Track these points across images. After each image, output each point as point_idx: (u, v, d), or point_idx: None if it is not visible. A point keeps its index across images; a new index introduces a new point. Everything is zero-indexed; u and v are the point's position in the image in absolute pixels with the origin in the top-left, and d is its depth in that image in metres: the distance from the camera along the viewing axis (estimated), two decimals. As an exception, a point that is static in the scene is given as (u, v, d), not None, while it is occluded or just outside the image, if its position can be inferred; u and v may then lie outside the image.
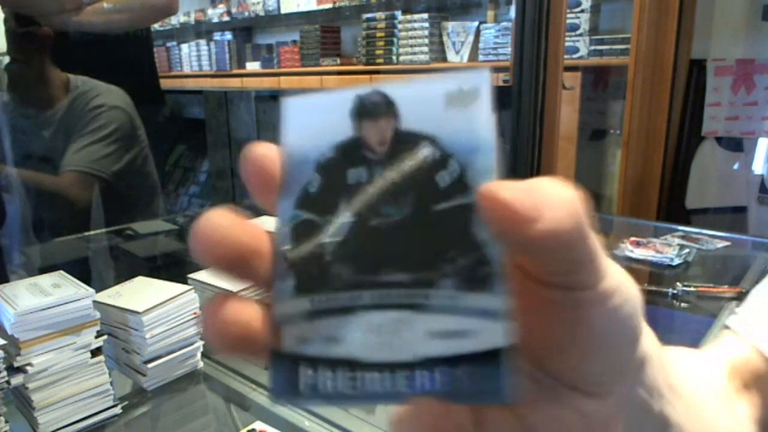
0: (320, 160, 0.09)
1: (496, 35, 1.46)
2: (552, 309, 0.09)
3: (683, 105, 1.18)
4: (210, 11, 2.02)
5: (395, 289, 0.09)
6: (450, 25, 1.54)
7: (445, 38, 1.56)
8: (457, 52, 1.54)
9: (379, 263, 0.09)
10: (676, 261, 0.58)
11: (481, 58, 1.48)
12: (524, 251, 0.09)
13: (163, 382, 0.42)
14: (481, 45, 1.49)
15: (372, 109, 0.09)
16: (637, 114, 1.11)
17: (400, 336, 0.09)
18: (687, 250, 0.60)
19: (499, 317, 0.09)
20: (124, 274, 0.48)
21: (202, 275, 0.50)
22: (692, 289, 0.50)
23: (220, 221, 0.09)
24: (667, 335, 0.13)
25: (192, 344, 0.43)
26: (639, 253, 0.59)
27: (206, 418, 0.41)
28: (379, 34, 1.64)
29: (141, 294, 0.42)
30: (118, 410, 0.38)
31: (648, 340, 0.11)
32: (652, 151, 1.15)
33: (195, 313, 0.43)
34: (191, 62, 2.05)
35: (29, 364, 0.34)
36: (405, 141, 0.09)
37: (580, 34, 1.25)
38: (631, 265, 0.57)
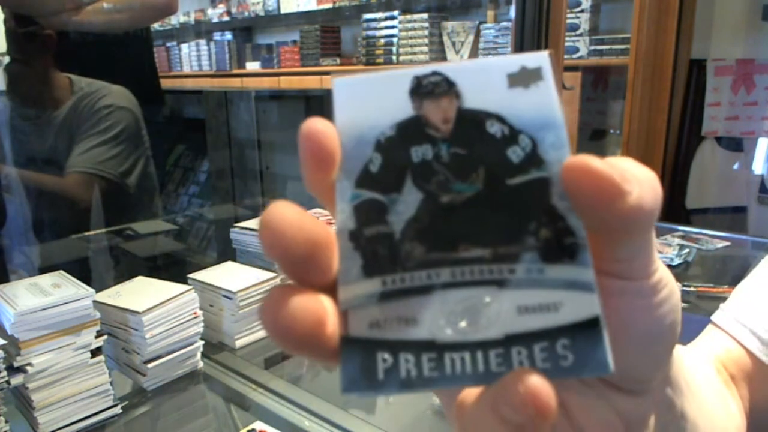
0: (380, 138, 0.09)
1: (496, 35, 1.46)
2: (605, 302, 0.09)
3: (683, 105, 1.18)
4: (210, 11, 2.02)
5: (476, 265, 0.09)
6: (450, 25, 1.54)
7: (445, 38, 1.56)
8: (457, 52, 1.54)
9: (456, 240, 0.09)
10: (676, 261, 0.58)
11: (481, 57, 1.48)
12: (606, 226, 0.08)
13: (163, 382, 0.42)
14: (481, 45, 1.49)
15: (433, 89, 0.09)
16: (637, 114, 1.12)
17: (486, 313, 0.08)
18: (687, 250, 0.60)
19: (589, 287, 0.08)
20: (124, 274, 0.48)
21: (201, 275, 0.50)
22: (692, 289, 0.51)
23: (287, 214, 0.08)
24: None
25: (192, 344, 0.43)
26: (639, 253, 0.60)
27: (206, 418, 0.41)
28: (379, 34, 1.64)
29: (141, 294, 0.42)
30: (118, 410, 0.38)
31: None
32: (652, 151, 1.15)
33: (195, 313, 0.43)
34: (191, 62, 2.05)
35: (29, 364, 0.34)
36: (470, 119, 0.09)
37: (580, 34, 1.25)
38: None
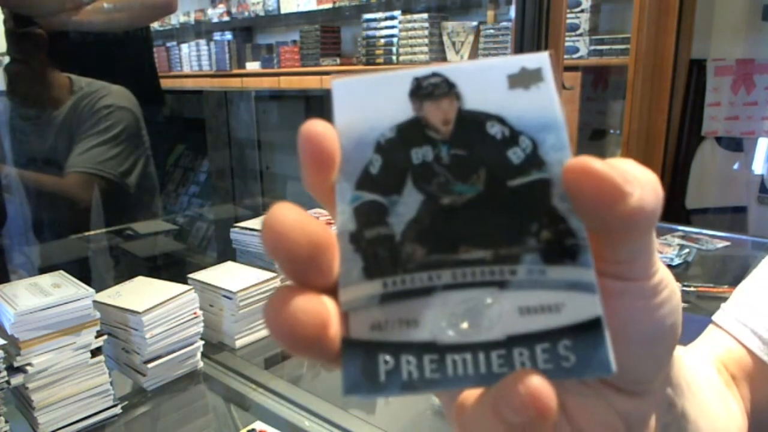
0: (380, 140, 0.09)
1: (496, 35, 1.46)
2: (606, 304, 0.09)
3: (683, 105, 1.18)
4: (210, 11, 2.02)
5: (477, 267, 0.08)
6: (450, 25, 1.54)
7: (445, 38, 1.56)
8: (457, 52, 1.54)
9: (456, 241, 0.09)
10: (676, 261, 0.58)
11: (481, 58, 1.48)
12: (607, 227, 0.08)
13: (163, 382, 0.42)
14: (481, 45, 1.49)
15: (433, 90, 0.09)
16: (637, 114, 1.11)
17: (487, 314, 0.08)
18: (687, 250, 0.60)
19: (590, 288, 0.08)
20: (124, 274, 0.48)
21: (201, 275, 0.50)
22: (692, 289, 0.51)
23: (290, 215, 0.08)
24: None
25: (192, 344, 0.43)
26: (639, 253, 0.60)
27: (206, 418, 0.41)
28: (379, 34, 1.64)
29: (141, 294, 0.42)
30: (118, 410, 0.38)
31: None
32: (652, 151, 1.15)
33: (195, 313, 0.43)
34: (191, 62, 2.05)
35: (29, 364, 0.34)
36: (470, 120, 0.09)
37: (580, 34, 1.25)
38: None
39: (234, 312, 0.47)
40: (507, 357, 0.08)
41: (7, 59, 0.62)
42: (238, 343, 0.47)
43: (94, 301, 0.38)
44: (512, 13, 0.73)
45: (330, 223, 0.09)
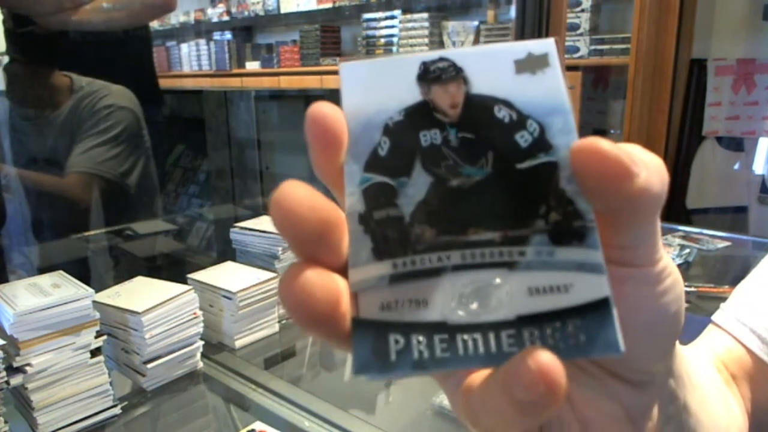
0: (388, 123, 0.09)
1: (497, 35, 1.46)
2: (612, 289, 0.09)
3: (684, 105, 1.18)
4: (210, 11, 2.01)
5: (486, 248, 0.09)
6: (450, 25, 1.54)
7: (445, 38, 1.56)
8: (458, 52, 1.53)
9: (465, 223, 0.09)
10: (677, 261, 0.58)
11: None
12: (613, 208, 0.09)
13: (163, 382, 0.42)
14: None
15: (440, 74, 0.09)
16: (638, 114, 1.11)
17: (497, 295, 0.08)
18: (687, 251, 0.60)
19: (598, 269, 0.08)
20: (123, 274, 0.48)
21: (201, 275, 0.50)
22: (693, 289, 0.51)
23: (299, 192, 0.08)
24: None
25: (192, 344, 0.43)
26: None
27: (206, 418, 0.41)
28: (379, 34, 1.63)
29: (140, 294, 0.42)
30: (117, 410, 0.38)
31: None
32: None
33: (194, 314, 0.43)
34: (191, 62, 2.05)
35: (28, 365, 0.34)
36: (478, 104, 0.09)
37: (581, 34, 1.25)
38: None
39: (234, 312, 0.47)
40: (517, 336, 0.08)
41: (6, 59, 0.62)
42: (238, 344, 0.47)
43: (94, 302, 0.37)
44: (512, 12, 0.73)
45: None
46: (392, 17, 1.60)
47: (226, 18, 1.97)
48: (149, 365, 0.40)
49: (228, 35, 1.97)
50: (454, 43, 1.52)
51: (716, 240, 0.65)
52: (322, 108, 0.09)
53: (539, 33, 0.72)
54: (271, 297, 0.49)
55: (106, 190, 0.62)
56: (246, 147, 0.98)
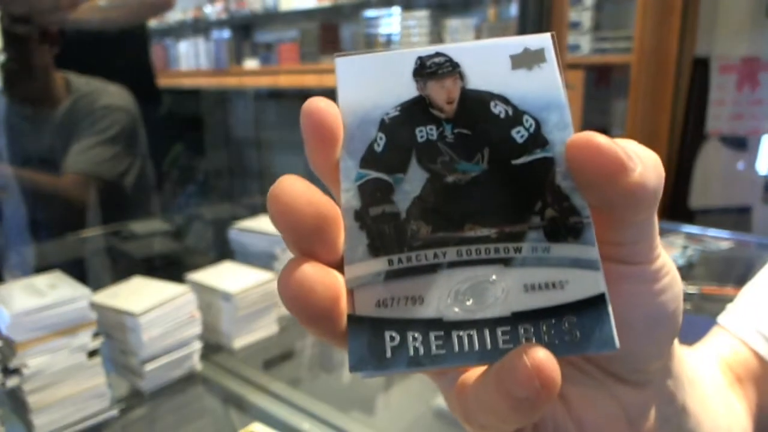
0: (384, 118, 0.09)
1: (498, 33, 1.45)
2: (608, 288, 0.09)
3: (687, 103, 1.17)
4: (208, 8, 2.00)
5: (482, 245, 0.09)
6: (451, 23, 1.53)
7: (446, 36, 1.55)
8: (458, 50, 1.52)
9: (461, 219, 0.09)
10: (680, 261, 0.57)
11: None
12: (609, 203, 0.09)
13: (161, 383, 0.41)
14: (482, 43, 1.48)
15: (436, 69, 0.09)
16: (640, 112, 1.11)
17: (492, 291, 0.08)
18: (691, 251, 0.60)
19: (594, 265, 0.08)
20: (121, 275, 0.47)
21: (199, 276, 0.49)
22: (696, 290, 0.51)
23: (296, 186, 0.08)
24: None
25: (190, 345, 0.43)
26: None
27: (204, 420, 0.40)
28: (379, 32, 1.62)
29: (138, 295, 0.42)
30: (114, 412, 0.38)
31: None
32: (655, 150, 1.11)
33: (192, 314, 0.43)
34: (189, 60, 2.04)
35: (25, 366, 0.34)
36: (474, 99, 0.09)
37: (583, 32, 1.24)
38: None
39: (232, 313, 0.46)
40: (512, 333, 0.08)
41: (1, 57, 0.61)
42: (237, 345, 0.47)
43: (91, 302, 0.37)
44: (514, 10, 0.73)
45: None
46: (392, 15, 1.59)
47: (224, 16, 1.96)
48: (147, 366, 0.40)
49: (226, 33, 1.96)
50: (454, 42, 1.51)
51: (720, 240, 0.65)
52: (317, 103, 0.09)
53: (540, 31, 0.71)
54: (270, 298, 0.49)
55: (104, 191, 0.62)
56: (244, 146, 0.98)
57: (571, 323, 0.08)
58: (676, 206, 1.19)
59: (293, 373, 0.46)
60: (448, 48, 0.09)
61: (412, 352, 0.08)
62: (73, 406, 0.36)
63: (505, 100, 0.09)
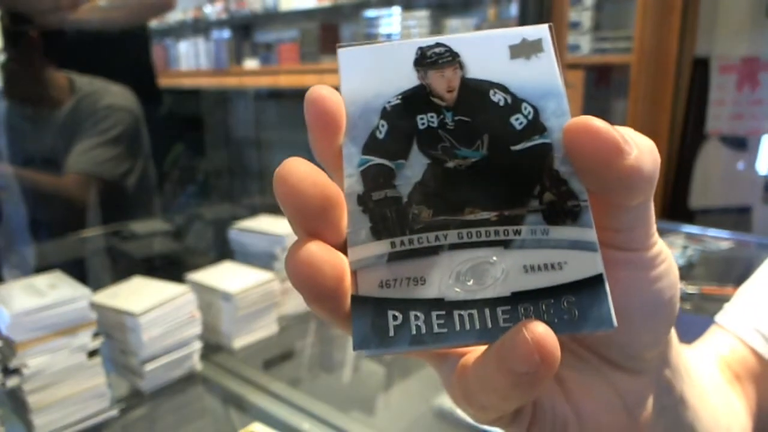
0: (386, 107, 0.09)
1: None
2: (606, 273, 0.09)
3: (687, 103, 1.17)
4: (208, 8, 2.00)
5: (482, 227, 0.09)
6: (451, 23, 1.53)
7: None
8: (458, 50, 1.52)
9: (462, 203, 0.09)
10: (680, 261, 0.58)
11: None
12: (606, 186, 0.09)
13: (161, 383, 0.41)
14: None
15: (437, 59, 0.09)
16: (640, 112, 1.11)
17: (492, 272, 0.09)
18: (691, 251, 0.60)
19: (592, 247, 0.09)
20: (121, 275, 0.47)
21: (199, 276, 0.49)
22: (696, 290, 0.51)
23: (301, 168, 0.08)
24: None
25: (190, 345, 0.43)
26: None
27: (204, 420, 0.40)
28: (379, 32, 1.62)
29: (138, 295, 0.42)
30: (115, 412, 0.38)
31: None
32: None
33: (192, 314, 0.43)
34: (189, 60, 2.04)
35: (25, 366, 0.34)
36: (473, 88, 0.09)
37: (583, 32, 1.24)
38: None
39: (232, 313, 0.46)
40: (512, 312, 0.09)
41: (2, 57, 0.61)
42: (237, 345, 0.47)
43: (91, 302, 0.37)
44: (514, 10, 0.73)
45: None
46: (392, 15, 1.59)
47: (224, 16, 1.96)
48: (147, 366, 0.40)
49: (226, 33, 1.96)
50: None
51: (720, 240, 0.65)
52: (320, 91, 0.09)
53: (541, 30, 0.71)
54: (270, 298, 0.49)
55: (105, 191, 0.62)
56: (245, 146, 0.98)
57: (570, 302, 0.08)
58: (676, 206, 1.19)
59: (293, 373, 0.46)
60: (448, 39, 0.10)
61: (414, 331, 0.08)
62: (73, 406, 0.36)
63: (504, 89, 0.09)
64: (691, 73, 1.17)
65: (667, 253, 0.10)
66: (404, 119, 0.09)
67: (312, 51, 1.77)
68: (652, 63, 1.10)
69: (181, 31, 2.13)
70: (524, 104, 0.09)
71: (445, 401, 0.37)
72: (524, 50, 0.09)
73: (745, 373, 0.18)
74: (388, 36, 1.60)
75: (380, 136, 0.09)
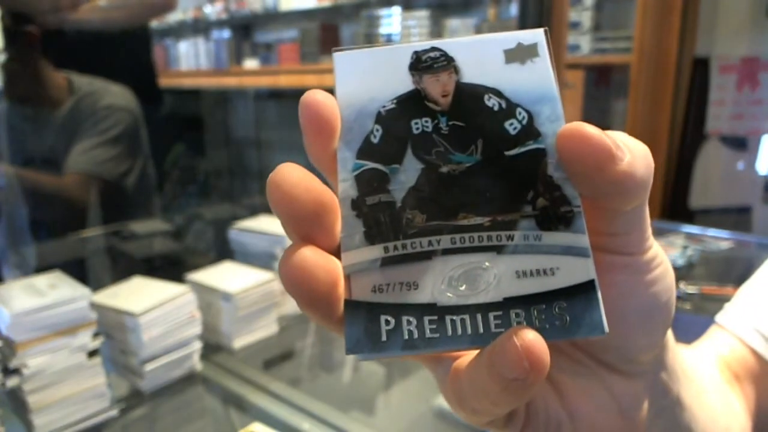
0: (380, 111, 0.09)
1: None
2: (601, 278, 0.09)
3: (687, 103, 1.17)
4: (208, 8, 2.00)
5: (475, 233, 0.09)
6: (451, 23, 1.53)
7: (445, 36, 1.55)
8: (458, 50, 1.52)
9: (455, 208, 0.09)
10: (680, 262, 0.57)
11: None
12: (599, 192, 0.09)
13: (161, 383, 0.41)
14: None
15: (432, 63, 0.10)
16: (640, 112, 1.11)
17: (485, 277, 0.09)
18: (691, 251, 0.60)
19: (584, 253, 0.09)
20: (121, 275, 0.47)
21: (199, 276, 0.49)
22: (696, 290, 0.51)
23: (295, 174, 0.08)
24: (671, 338, 0.13)
25: (190, 345, 0.43)
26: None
27: (204, 420, 0.40)
28: (379, 32, 1.62)
29: (138, 295, 0.42)
30: (115, 412, 0.38)
31: None
32: (655, 150, 1.12)
33: (192, 314, 0.43)
34: (189, 60, 2.04)
35: (25, 366, 0.34)
36: (468, 93, 0.09)
37: (583, 32, 1.24)
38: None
39: (232, 313, 0.46)
40: (504, 317, 0.09)
41: (2, 57, 0.61)
42: (237, 345, 0.47)
43: (91, 302, 0.37)
44: (514, 10, 0.73)
45: None
46: (392, 15, 1.59)
47: (224, 16, 1.96)
48: (147, 366, 0.40)
49: (226, 33, 1.96)
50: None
51: (720, 240, 0.64)
52: (314, 95, 0.09)
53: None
54: (270, 298, 0.49)
55: (105, 191, 0.62)
56: (245, 146, 0.97)
57: (562, 308, 0.08)
58: (676, 206, 1.19)
59: (293, 373, 0.46)
60: (444, 43, 0.10)
61: (406, 336, 0.09)
62: (73, 406, 0.36)
63: (498, 94, 0.09)
64: (691, 73, 1.16)
65: (663, 256, 0.10)
66: (399, 124, 0.09)
67: (312, 51, 1.77)
68: (652, 63, 1.10)
69: (181, 31, 2.13)
70: (519, 109, 0.09)
71: (445, 401, 0.37)
72: (519, 55, 0.09)
73: (744, 373, 0.18)
74: (388, 36, 1.60)
75: (375, 140, 0.09)
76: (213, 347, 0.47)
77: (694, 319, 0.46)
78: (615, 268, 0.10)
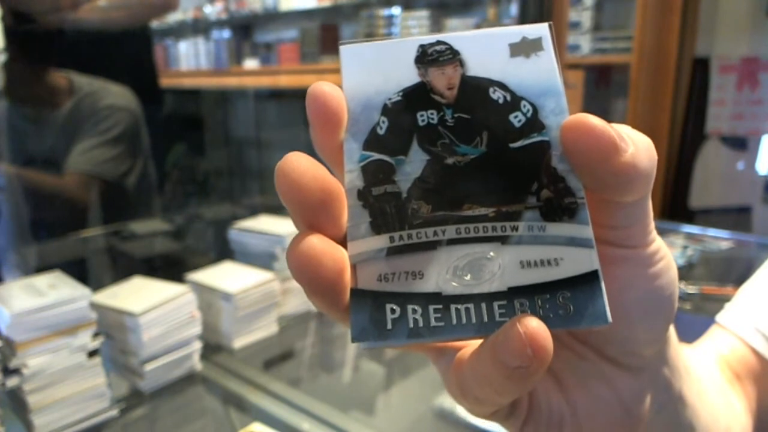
0: (387, 103, 0.09)
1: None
2: (604, 270, 0.09)
3: (687, 103, 1.17)
4: (208, 8, 2.00)
5: (480, 223, 0.09)
6: (451, 23, 1.53)
7: (446, 36, 1.54)
8: (458, 50, 1.52)
9: (460, 199, 0.09)
10: (680, 261, 0.58)
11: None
12: (602, 183, 0.09)
13: (161, 383, 0.41)
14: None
15: (438, 57, 0.10)
16: (640, 112, 1.11)
17: (490, 267, 0.09)
18: (691, 251, 0.60)
19: (588, 243, 0.09)
20: (121, 275, 0.47)
21: (199, 275, 0.49)
22: (696, 290, 0.51)
23: (302, 162, 0.09)
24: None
25: (190, 345, 0.43)
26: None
27: (204, 420, 0.40)
28: (379, 32, 1.62)
29: (138, 295, 0.42)
30: (115, 412, 0.38)
31: None
32: (655, 150, 1.14)
33: (192, 314, 0.43)
34: (189, 60, 2.04)
35: (25, 366, 0.34)
36: (473, 86, 0.10)
37: (583, 32, 1.24)
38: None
39: (232, 313, 0.46)
40: (508, 307, 0.09)
41: (3, 57, 0.61)
42: (237, 345, 0.47)
43: (91, 302, 0.37)
44: (514, 10, 0.73)
45: None
46: (392, 15, 1.59)
47: (224, 16, 1.96)
48: (147, 366, 0.40)
49: (226, 33, 1.96)
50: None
51: (720, 240, 0.64)
52: (321, 87, 0.09)
53: (541, 31, 0.71)
54: (270, 298, 0.49)
55: (105, 191, 0.62)
56: (245, 146, 0.97)
57: (565, 298, 0.09)
58: (676, 206, 1.19)
59: (293, 373, 0.46)
60: (449, 36, 0.10)
61: (411, 324, 0.09)
62: (73, 406, 0.36)
63: (503, 87, 0.09)
64: (691, 73, 1.17)
65: (666, 250, 0.10)
66: (405, 116, 0.09)
67: (312, 51, 1.77)
68: (652, 63, 1.10)
69: (181, 31, 2.13)
70: (523, 102, 0.09)
71: (445, 401, 0.37)
72: (524, 48, 0.09)
73: (745, 373, 0.18)
74: (390, 35, 1.60)
75: (381, 132, 0.09)
76: (213, 347, 0.47)
77: (694, 319, 0.46)
78: (618, 261, 0.10)
